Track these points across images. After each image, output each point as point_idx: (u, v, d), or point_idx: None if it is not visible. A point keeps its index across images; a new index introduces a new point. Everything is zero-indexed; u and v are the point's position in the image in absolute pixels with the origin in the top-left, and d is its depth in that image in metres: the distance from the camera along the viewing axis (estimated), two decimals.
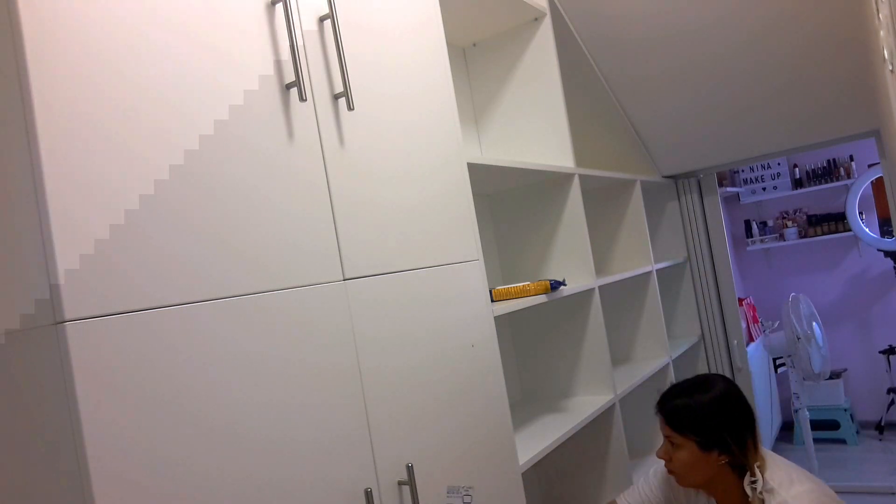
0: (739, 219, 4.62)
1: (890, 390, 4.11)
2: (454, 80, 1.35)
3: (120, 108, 0.73)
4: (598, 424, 1.82)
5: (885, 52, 1.35)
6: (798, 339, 3.20)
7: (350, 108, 1.03)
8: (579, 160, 1.90)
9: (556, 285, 1.61)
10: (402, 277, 1.10)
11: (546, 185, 1.88)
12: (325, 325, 0.93)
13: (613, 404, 1.80)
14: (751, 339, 3.77)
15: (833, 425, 4.13)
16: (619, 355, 2.34)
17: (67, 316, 0.65)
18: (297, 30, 0.98)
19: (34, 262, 0.68)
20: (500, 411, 1.28)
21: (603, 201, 2.36)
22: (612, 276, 1.97)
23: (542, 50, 1.92)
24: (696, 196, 2.78)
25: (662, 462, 1.44)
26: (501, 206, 1.97)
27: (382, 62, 1.15)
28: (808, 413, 3.45)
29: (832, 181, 4.37)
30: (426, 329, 1.13)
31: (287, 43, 0.95)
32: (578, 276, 1.83)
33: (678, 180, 2.79)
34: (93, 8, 0.73)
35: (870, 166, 4.25)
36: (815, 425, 3.98)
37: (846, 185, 4.32)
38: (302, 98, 0.95)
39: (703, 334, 2.77)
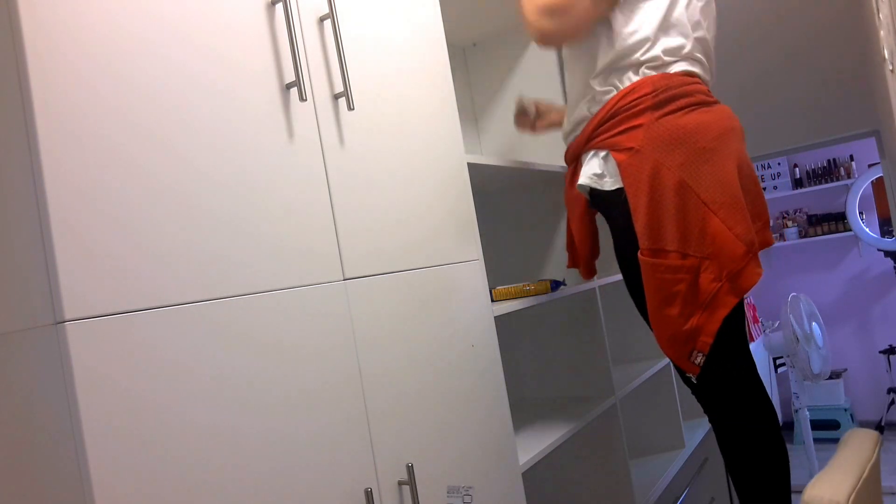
0: None
1: (890, 390, 4.11)
2: (454, 80, 1.35)
3: (119, 108, 0.73)
4: (598, 424, 1.82)
5: (885, 52, 1.35)
6: (797, 340, 3.19)
7: (350, 108, 1.03)
8: None
9: (556, 285, 1.61)
10: (402, 277, 1.10)
11: (546, 185, 1.88)
12: (325, 324, 0.93)
13: (613, 404, 1.80)
14: (751, 339, 3.77)
15: (833, 425, 4.13)
16: (619, 355, 2.34)
17: (67, 316, 0.65)
18: (297, 30, 0.98)
19: (34, 262, 0.68)
20: (501, 411, 1.28)
21: None
22: (612, 277, 1.96)
23: (543, 50, 1.92)
24: None
25: None
26: (502, 206, 1.97)
27: (382, 62, 1.14)
28: (808, 413, 3.45)
29: (832, 181, 4.37)
30: (426, 329, 1.13)
31: (287, 43, 0.95)
32: (578, 276, 1.83)
33: None
34: (93, 9, 0.73)
35: (870, 166, 4.25)
36: (816, 425, 3.98)
37: (846, 184, 4.32)
38: (302, 98, 0.95)
39: None
